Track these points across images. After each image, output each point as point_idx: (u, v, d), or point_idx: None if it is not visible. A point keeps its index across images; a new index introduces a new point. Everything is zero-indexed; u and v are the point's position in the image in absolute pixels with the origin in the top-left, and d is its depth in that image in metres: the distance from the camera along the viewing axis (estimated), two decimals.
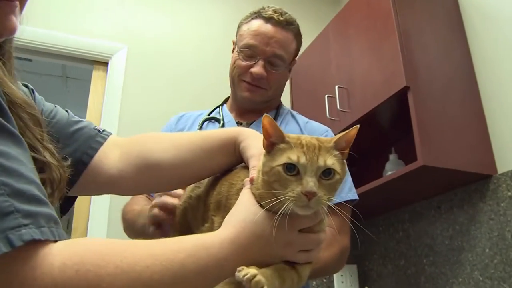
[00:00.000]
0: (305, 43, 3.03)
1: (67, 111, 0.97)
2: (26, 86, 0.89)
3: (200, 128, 1.50)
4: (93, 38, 2.88)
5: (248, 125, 1.49)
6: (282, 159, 0.70)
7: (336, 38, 2.68)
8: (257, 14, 1.46)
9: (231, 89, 1.56)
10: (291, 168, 0.69)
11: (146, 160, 0.92)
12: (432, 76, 2.11)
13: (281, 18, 1.44)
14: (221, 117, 1.52)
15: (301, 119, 1.56)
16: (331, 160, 0.71)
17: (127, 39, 2.95)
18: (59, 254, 0.55)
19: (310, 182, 0.67)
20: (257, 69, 1.42)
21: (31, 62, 4.29)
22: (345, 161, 0.77)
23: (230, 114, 1.54)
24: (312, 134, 1.43)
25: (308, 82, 2.94)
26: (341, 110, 2.42)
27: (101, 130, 0.97)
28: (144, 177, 0.93)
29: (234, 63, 1.48)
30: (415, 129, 1.93)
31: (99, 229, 2.45)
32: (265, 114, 0.73)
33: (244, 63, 1.45)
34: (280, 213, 0.68)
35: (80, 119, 0.97)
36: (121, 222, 1.35)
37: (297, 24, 1.49)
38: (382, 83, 2.17)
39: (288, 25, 1.45)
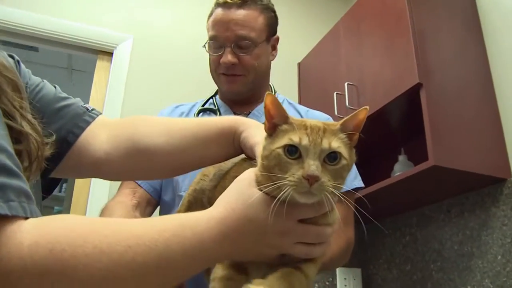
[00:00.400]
0: (315, 40, 3.00)
1: (55, 86, 0.91)
2: (12, 57, 0.83)
3: None
4: (98, 26, 2.82)
5: (246, 115, 1.42)
6: (283, 140, 0.65)
7: (347, 35, 2.60)
8: (215, 4, 1.39)
9: (217, 85, 1.50)
10: (292, 151, 0.64)
11: (136, 144, 0.86)
12: (446, 74, 2.03)
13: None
14: (216, 108, 1.46)
15: (301, 107, 1.49)
16: (336, 143, 0.65)
17: (133, 29, 2.90)
18: (30, 231, 0.49)
19: (312, 166, 0.61)
20: (225, 57, 1.35)
21: (37, 52, 4.29)
22: (353, 148, 0.70)
23: (224, 104, 1.47)
24: (314, 118, 1.37)
25: (317, 79, 2.87)
26: (350, 108, 2.34)
27: (90, 109, 0.91)
28: (132, 162, 0.87)
29: (209, 59, 1.43)
30: (426, 127, 1.85)
31: None
32: (267, 92, 0.67)
33: (214, 56, 1.39)
34: (278, 199, 0.62)
35: (68, 96, 0.91)
36: None
37: None
38: (393, 80, 2.10)
39: (245, 2, 1.36)
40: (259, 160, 0.70)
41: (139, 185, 1.30)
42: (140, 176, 0.99)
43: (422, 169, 1.84)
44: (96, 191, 2.44)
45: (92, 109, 0.91)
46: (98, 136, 0.87)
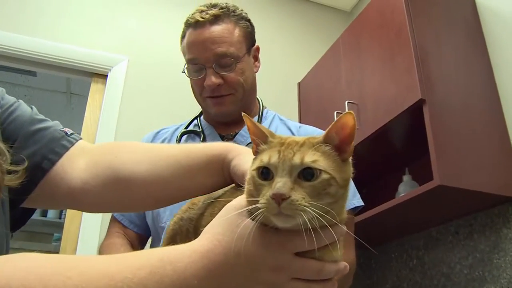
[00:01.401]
0: (316, 58, 2.95)
1: (31, 107, 0.82)
2: None
3: (179, 143, 1.34)
4: (93, 49, 2.77)
5: (233, 137, 1.34)
6: (256, 162, 0.59)
7: (347, 52, 2.54)
8: (186, 25, 1.31)
9: (203, 109, 1.42)
10: (265, 173, 0.57)
11: (115, 173, 0.78)
12: (450, 89, 1.95)
13: (207, 16, 1.27)
14: (200, 130, 1.37)
15: (293, 123, 1.40)
16: (311, 157, 0.56)
17: (128, 51, 2.85)
18: None
19: (278, 183, 0.54)
20: (208, 80, 1.26)
21: (35, 77, 4.26)
22: (350, 160, 0.61)
23: (209, 126, 1.38)
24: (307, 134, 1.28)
25: (317, 98, 2.80)
26: None
27: (69, 133, 0.82)
28: (111, 192, 0.78)
29: (191, 85, 1.35)
30: (430, 145, 1.76)
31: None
32: (243, 114, 0.62)
33: (196, 79, 1.30)
34: (255, 223, 0.56)
35: (46, 118, 0.82)
36: None
37: (233, 10, 1.31)
38: (395, 97, 2.02)
39: (217, 18, 1.27)
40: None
41: (125, 227, 1.25)
42: (120, 208, 0.90)
43: (427, 189, 1.75)
44: (88, 218, 2.36)
45: (71, 134, 0.83)
46: (76, 163, 0.78)
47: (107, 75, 2.76)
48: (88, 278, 0.48)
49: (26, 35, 2.66)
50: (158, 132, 1.42)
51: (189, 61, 1.30)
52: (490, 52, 2.12)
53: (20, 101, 0.82)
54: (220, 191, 0.80)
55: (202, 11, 1.28)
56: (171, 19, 3.07)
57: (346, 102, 2.33)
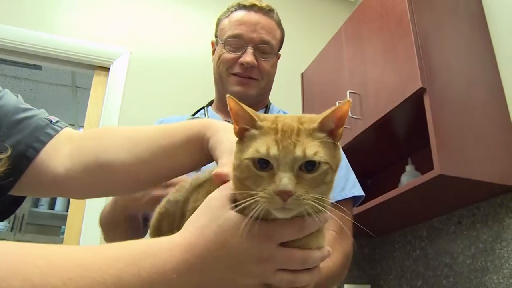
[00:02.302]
0: (317, 49, 2.92)
1: (17, 96, 0.83)
2: None
3: None
4: (95, 42, 2.78)
5: None
6: (251, 151, 0.56)
7: (349, 41, 2.52)
8: (237, 6, 1.38)
9: (217, 89, 1.45)
10: (262, 162, 0.55)
11: (96, 158, 0.77)
12: (451, 78, 1.92)
13: (263, 5, 1.36)
14: (206, 118, 1.38)
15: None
16: (313, 149, 0.55)
17: (130, 44, 2.85)
18: None
19: (283, 179, 0.53)
20: (248, 57, 1.31)
21: (40, 71, 4.28)
22: (339, 144, 0.60)
23: (217, 115, 1.42)
24: None
25: (320, 89, 2.78)
26: (353, 117, 2.24)
27: (54, 121, 0.82)
28: (93, 178, 0.78)
29: (219, 58, 1.37)
30: (431, 134, 1.74)
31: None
32: (228, 96, 0.58)
33: (231, 55, 1.34)
34: (250, 217, 0.54)
35: (31, 107, 0.82)
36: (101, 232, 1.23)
37: (277, 14, 1.42)
38: (396, 86, 1.99)
39: (271, 11, 1.39)
40: (230, 170, 0.61)
41: None
42: (103, 193, 0.89)
43: (428, 179, 1.73)
44: (91, 210, 2.37)
45: (57, 121, 0.83)
46: (61, 151, 0.78)
47: (109, 68, 2.76)
48: (58, 268, 0.47)
49: (29, 29, 2.67)
50: (161, 121, 1.44)
51: (231, 36, 1.34)
52: (494, 40, 2.08)
53: (6, 90, 0.82)
54: (206, 172, 0.77)
55: (256, 0, 1.37)
56: (173, 12, 3.07)
57: (348, 92, 2.31)
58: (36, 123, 0.79)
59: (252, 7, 1.35)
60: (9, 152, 0.67)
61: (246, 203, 0.54)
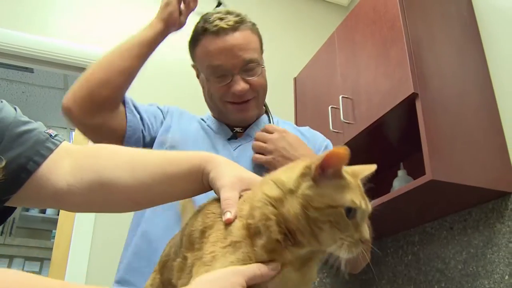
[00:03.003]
0: (310, 53, 2.93)
1: (15, 108, 0.83)
2: None
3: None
4: (87, 44, 2.76)
5: (244, 130, 1.39)
6: (345, 200, 0.61)
7: (342, 46, 2.52)
8: (203, 32, 1.31)
9: (217, 114, 1.42)
10: (349, 211, 0.61)
11: (99, 177, 0.80)
12: (443, 83, 1.93)
13: (230, 23, 1.28)
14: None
15: (294, 125, 1.49)
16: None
17: None
18: None
19: (366, 229, 0.63)
20: (238, 86, 1.28)
21: (32, 73, 4.26)
22: None
23: (219, 122, 1.42)
24: (314, 141, 1.32)
25: (313, 93, 2.78)
26: (345, 122, 2.25)
27: (53, 135, 0.84)
28: (95, 196, 0.81)
29: (209, 89, 1.35)
30: (423, 139, 1.74)
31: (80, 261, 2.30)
32: (344, 147, 0.61)
33: (221, 85, 1.30)
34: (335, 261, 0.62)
35: (30, 120, 0.84)
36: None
37: (246, 16, 1.34)
38: (388, 91, 2.00)
39: (239, 24, 1.29)
40: (243, 205, 0.67)
41: None
42: (100, 209, 0.94)
43: (420, 184, 1.73)
44: (82, 214, 2.35)
45: (55, 135, 0.85)
46: (61, 165, 0.81)
47: None
48: None
49: (21, 31, 2.66)
50: (181, 113, 1.48)
51: (212, 68, 1.30)
52: (485, 46, 2.09)
53: (4, 101, 0.83)
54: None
55: (221, 19, 1.29)
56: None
57: (341, 97, 2.31)
58: (37, 136, 0.81)
59: (219, 32, 1.27)
60: (3, 163, 0.67)
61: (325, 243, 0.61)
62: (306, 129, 1.47)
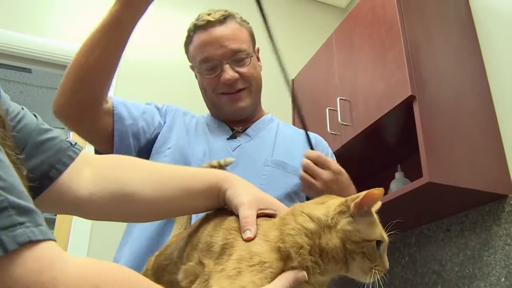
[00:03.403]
0: (308, 55, 2.93)
1: (35, 115, 0.85)
2: None
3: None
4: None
5: (243, 130, 1.39)
6: (375, 234, 0.69)
7: (340, 48, 2.53)
8: (194, 29, 1.37)
9: (213, 109, 1.45)
10: (378, 244, 0.69)
11: (122, 188, 0.83)
12: (441, 86, 1.93)
13: (216, 17, 1.34)
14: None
15: (296, 128, 1.53)
16: None
17: None
18: (75, 265, 0.48)
19: (387, 260, 0.71)
20: (226, 74, 1.32)
21: (30, 73, 4.25)
22: None
23: (217, 120, 1.44)
24: (316, 147, 1.35)
25: (310, 95, 2.79)
26: (343, 124, 2.25)
27: (73, 144, 0.86)
28: (116, 206, 0.84)
29: (202, 85, 1.39)
30: (420, 142, 1.75)
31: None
32: (381, 188, 0.69)
33: (210, 77, 1.34)
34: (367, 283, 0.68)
35: (50, 127, 0.86)
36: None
37: (235, 13, 1.39)
38: (386, 93, 2.00)
39: (226, 18, 1.35)
40: (255, 227, 0.71)
41: None
42: (120, 219, 0.95)
43: (417, 186, 1.74)
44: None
45: (75, 144, 0.87)
46: (82, 174, 0.83)
47: None
48: None
49: (20, 32, 2.66)
50: (184, 113, 1.48)
51: (202, 61, 1.34)
52: (483, 49, 2.10)
53: (25, 108, 0.84)
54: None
55: (209, 14, 1.35)
56: (161, 16, 3.06)
57: (338, 99, 2.32)
58: (59, 145, 0.83)
59: (207, 25, 1.33)
60: (25, 172, 0.68)
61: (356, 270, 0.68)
62: (313, 135, 1.47)
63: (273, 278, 0.64)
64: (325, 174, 1.18)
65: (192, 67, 1.46)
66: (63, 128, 5.05)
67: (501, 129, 1.94)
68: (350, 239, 0.67)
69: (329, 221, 0.68)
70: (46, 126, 0.84)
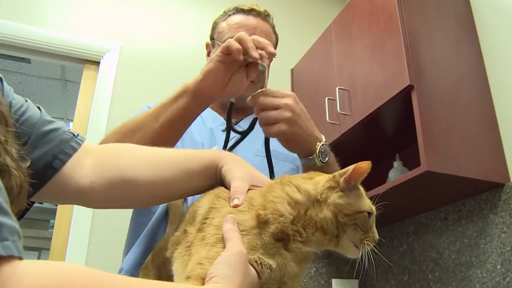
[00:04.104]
0: (307, 44, 2.94)
1: (39, 107, 0.86)
2: None
3: None
4: (85, 36, 2.77)
5: (237, 122, 1.40)
6: (366, 206, 0.72)
7: (339, 38, 2.53)
8: (235, 10, 1.40)
9: None
10: (369, 216, 0.72)
11: (121, 174, 0.85)
12: (439, 76, 1.95)
13: (261, 9, 1.39)
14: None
15: None
16: None
17: (120, 38, 2.85)
18: (29, 275, 0.44)
19: (376, 231, 0.74)
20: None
21: (29, 64, 4.25)
22: None
23: (216, 114, 1.43)
24: None
25: (309, 85, 2.80)
26: (341, 113, 2.26)
27: (76, 134, 0.88)
28: (116, 192, 0.85)
29: (212, 60, 1.35)
30: (418, 131, 1.77)
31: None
32: (368, 162, 0.71)
33: None
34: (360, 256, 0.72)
35: (52, 119, 0.88)
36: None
37: (273, 19, 1.45)
38: (384, 83, 2.02)
39: (268, 16, 1.41)
40: (243, 197, 0.72)
41: None
42: (122, 205, 0.95)
43: (415, 175, 1.76)
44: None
45: (78, 135, 0.89)
46: (83, 164, 0.85)
47: (99, 62, 2.76)
48: None
49: (19, 22, 2.66)
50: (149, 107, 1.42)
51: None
52: (481, 39, 2.11)
53: (28, 100, 0.86)
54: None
55: (256, 5, 1.40)
56: (163, 7, 3.06)
57: (337, 88, 2.33)
58: (62, 136, 0.84)
59: (250, 12, 1.37)
60: (28, 163, 0.69)
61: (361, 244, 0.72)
62: None
63: (251, 246, 0.65)
64: (284, 100, 1.08)
65: (209, 45, 1.47)
66: (62, 118, 5.06)
67: (498, 119, 1.95)
68: (343, 212, 0.69)
69: (319, 196, 0.70)
70: (49, 118, 0.86)
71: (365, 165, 0.70)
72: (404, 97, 1.90)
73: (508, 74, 1.95)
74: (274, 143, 1.31)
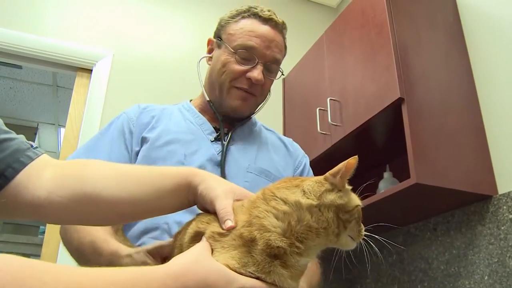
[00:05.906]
0: (299, 55, 2.96)
1: None
2: None
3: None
4: (77, 43, 2.77)
5: (227, 133, 1.32)
6: (358, 199, 0.75)
7: (330, 49, 2.56)
8: (250, 13, 1.30)
9: (210, 93, 1.35)
10: None
11: (83, 186, 0.78)
12: (429, 88, 1.97)
13: (280, 20, 1.31)
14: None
15: (286, 138, 1.48)
16: None
17: (113, 46, 2.85)
18: None
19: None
20: (257, 73, 1.25)
21: (21, 69, 4.24)
22: None
23: (202, 116, 1.36)
24: (296, 155, 1.38)
25: (301, 95, 2.82)
26: (333, 124, 2.28)
27: (34, 146, 0.83)
28: (76, 205, 0.78)
29: (223, 66, 1.28)
30: (408, 143, 1.79)
31: None
32: (354, 157, 0.71)
33: (240, 67, 1.26)
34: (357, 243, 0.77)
35: (10, 130, 0.83)
36: (63, 244, 1.11)
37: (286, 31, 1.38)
38: (375, 95, 2.04)
39: (284, 28, 1.34)
40: (232, 217, 0.70)
41: None
42: (83, 221, 0.89)
43: (404, 187, 1.78)
44: None
45: (36, 147, 0.84)
46: (41, 175, 0.79)
47: (92, 70, 2.76)
48: (64, 286, 0.49)
49: (11, 29, 2.65)
50: (144, 108, 1.40)
51: (245, 47, 1.26)
52: (470, 51, 2.14)
53: None
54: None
55: (269, 11, 1.32)
56: (154, 14, 3.07)
57: (328, 99, 2.35)
58: (18, 145, 0.80)
59: (269, 21, 1.29)
60: None
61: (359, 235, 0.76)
62: (289, 141, 1.46)
63: (243, 263, 0.65)
64: None
65: (212, 42, 1.38)
66: (53, 124, 5.04)
67: (487, 131, 1.98)
68: (344, 210, 0.70)
69: (315, 203, 0.68)
70: (7, 129, 0.81)
71: (353, 161, 0.70)
72: (394, 109, 1.93)
73: (497, 87, 1.98)
74: (266, 162, 1.30)
